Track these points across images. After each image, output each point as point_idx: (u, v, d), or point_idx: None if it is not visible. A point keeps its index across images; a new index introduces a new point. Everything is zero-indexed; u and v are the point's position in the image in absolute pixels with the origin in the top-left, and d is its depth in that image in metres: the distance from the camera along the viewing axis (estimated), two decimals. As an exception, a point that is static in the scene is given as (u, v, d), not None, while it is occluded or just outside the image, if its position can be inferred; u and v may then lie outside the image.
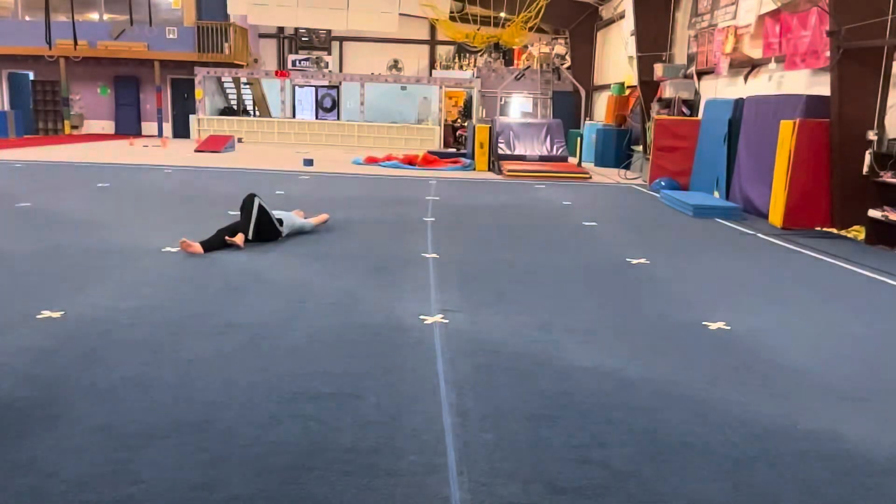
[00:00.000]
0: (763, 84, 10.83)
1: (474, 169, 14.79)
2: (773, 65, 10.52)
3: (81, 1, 21.77)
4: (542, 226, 7.92)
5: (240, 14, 21.08)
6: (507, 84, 19.52)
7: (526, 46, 22.61)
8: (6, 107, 23.24)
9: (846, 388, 3.42)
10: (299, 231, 6.74)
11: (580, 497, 2.36)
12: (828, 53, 8.31)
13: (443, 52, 28.41)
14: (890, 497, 2.45)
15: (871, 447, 2.79)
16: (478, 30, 19.61)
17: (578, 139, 16.12)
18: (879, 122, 7.79)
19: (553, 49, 20.79)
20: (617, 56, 18.24)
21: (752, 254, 6.83)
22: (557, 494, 2.37)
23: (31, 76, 23.78)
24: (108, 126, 24.16)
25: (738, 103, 10.17)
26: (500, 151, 14.79)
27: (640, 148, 14.52)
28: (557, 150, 15.26)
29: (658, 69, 13.96)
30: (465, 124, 21.13)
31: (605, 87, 19.33)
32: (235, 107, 24.39)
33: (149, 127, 23.76)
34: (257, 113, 24.21)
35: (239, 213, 6.30)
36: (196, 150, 16.89)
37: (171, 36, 22.27)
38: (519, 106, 20.33)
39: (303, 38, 27.85)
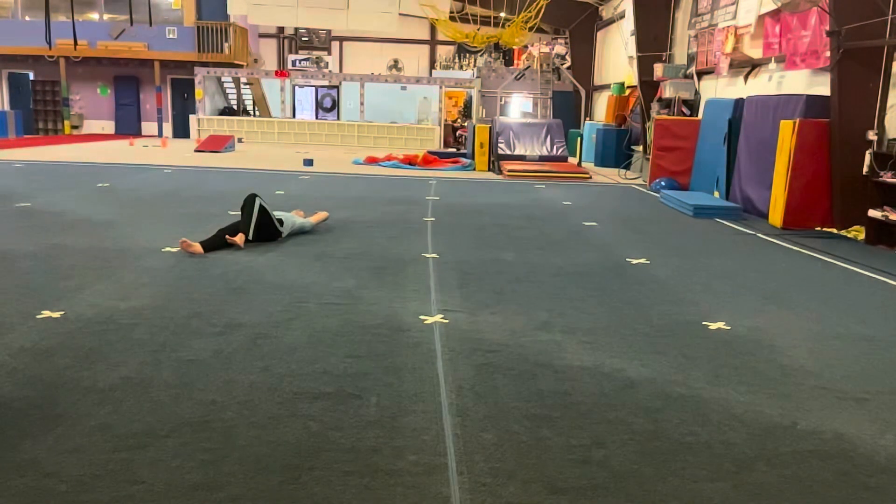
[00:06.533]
0: (763, 84, 10.83)
1: (474, 169, 14.79)
2: (773, 65, 10.52)
3: (81, 1, 21.75)
4: (542, 226, 7.92)
5: (240, 14, 21.07)
6: (507, 84, 19.51)
7: (526, 46, 22.60)
8: (6, 107, 23.24)
9: (846, 388, 3.42)
10: (299, 231, 6.74)
11: (580, 497, 2.37)
12: (828, 53, 8.31)
13: (443, 52, 28.43)
14: (890, 497, 2.45)
15: (871, 447, 2.79)
16: (478, 30, 19.60)
17: (578, 139, 16.12)
18: (879, 122, 7.79)
19: (553, 49, 20.78)
20: (617, 56, 18.23)
21: (752, 254, 6.83)
22: (557, 494, 2.37)
23: (31, 76, 23.78)
24: (108, 126, 24.16)
25: (738, 103, 10.17)
26: (500, 151, 14.79)
27: (640, 148, 14.52)
28: (557, 150, 15.26)
29: (658, 69, 13.96)
30: (465, 124, 21.13)
31: (605, 87, 19.33)
32: (235, 107, 24.39)
33: (149, 127, 23.76)
34: (257, 113, 24.21)
35: (239, 213, 6.30)
36: (196, 150, 16.89)
37: (171, 36, 22.27)
38: (519, 106, 20.32)
39: (303, 38, 27.88)
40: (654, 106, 13.76)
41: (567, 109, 20.81)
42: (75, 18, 19.02)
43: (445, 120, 23.07)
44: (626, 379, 3.41)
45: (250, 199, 6.25)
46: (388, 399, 3.07)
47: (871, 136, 7.73)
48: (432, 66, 28.29)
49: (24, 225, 6.87)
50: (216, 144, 17.16)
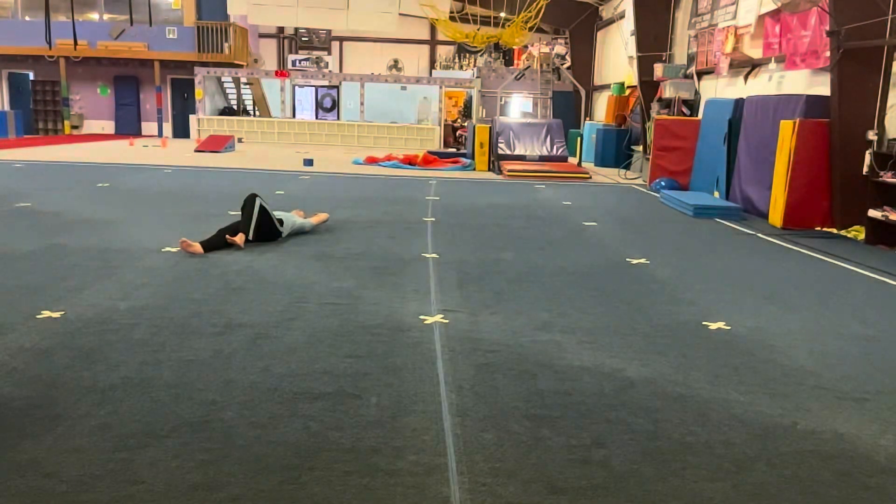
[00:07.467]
0: (763, 84, 10.83)
1: (474, 169, 14.79)
2: (773, 65, 10.52)
3: (81, 1, 21.75)
4: (542, 226, 7.92)
5: (240, 14, 21.07)
6: (507, 84, 19.52)
7: (526, 46, 22.62)
8: (6, 107, 23.24)
9: (846, 388, 3.42)
10: (299, 231, 6.74)
11: (580, 497, 2.37)
12: (828, 53, 8.31)
13: (443, 52, 28.43)
14: (890, 497, 2.45)
15: (871, 447, 2.79)
16: (478, 30, 19.60)
17: (578, 139, 16.12)
18: (879, 122, 7.79)
19: (553, 49, 20.79)
20: (617, 56, 18.24)
21: (752, 254, 6.83)
22: (557, 494, 2.37)
23: (31, 76, 23.78)
24: (108, 126, 24.16)
25: (738, 103, 10.17)
26: (500, 151, 14.79)
27: (640, 148, 14.52)
28: (557, 150, 15.26)
29: (658, 69, 13.96)
30: (465, 124, 21.13)
31: (605, 87, 19.33)
32: (235, 107, 24.39)
33: (149, 127, 23.76)
34: (257, 113, 24.21)
35: (240, 213, 6.30)
36: (196, 150, 16.89)
37: (171, 36, 22.27)
38: (519, 106, 20.33)
39: (303, 38, 27.89)
40: (654, 106, 13.76)
41: (567, 109, 20.81)
42: (75, 18, 19.03)
43: (445, 120, 23.06)
44: (626, 379, 3.41)
45: (250, 200, 6.25)
46: (388, 399, 3.07)
47: (871, 136, 7.73)
48: (432, 66, 28.30)
49: (24, 225, 6.87)
50: (216, 144, 17.16)
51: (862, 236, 7.67)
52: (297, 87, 24.22)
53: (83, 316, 4.07)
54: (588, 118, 20.15)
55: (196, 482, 2.36)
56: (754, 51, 11.17)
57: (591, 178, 13.58)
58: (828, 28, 8.06)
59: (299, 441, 2.67)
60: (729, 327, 4.30)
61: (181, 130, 23.23)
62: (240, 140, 20.14)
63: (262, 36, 27.08)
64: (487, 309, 4.50)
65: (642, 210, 9.61)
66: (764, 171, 9.06)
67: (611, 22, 19.10)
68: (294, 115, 23.25)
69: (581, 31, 21.14)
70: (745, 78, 11.40)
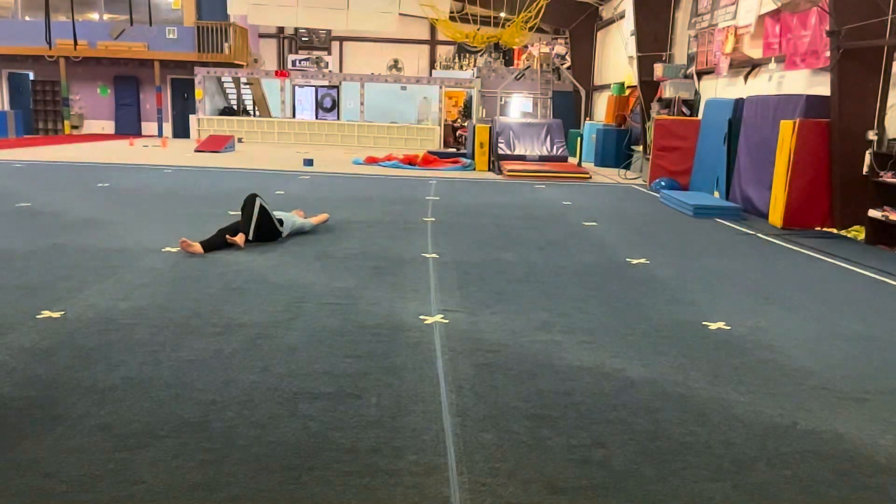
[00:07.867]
0: (763, 84, 10.83)
1: (474, 169, 14.79)
2: (773, 65, 10.52)
3: (81, 1, 21.74)
4: (542, 226, 7.92)
5: (240, 14, 21.07)
6: (507, 84, 19.51)
7: (526, 46, 22.61)
8: (6, 107, 23.24)
9: (846, 388, 3.42)
10: (299, 231, 6.74)
11: (580, 497, 2.37)
12: (828, 53, 8.31)
13: (443, 52, 28.43)
14: (890, 497, 2.45)
15: (871, 447, 2.79)
16: (478, 30, 19.60)
17: (578, 139, 16.13)
18: (879, 122, 7.79)
19: (553, 49, 20.80)
20: (617, 56, 18.24)
21: (752, 254, 6.83)
22: (557, 494, 2.37)
23: (31, 76, 23.78)
24: (108, 126, 24.16)
25: (738, 103, 10.17)
26: (500, 151, 14.79)
27: (640, 148, 14.52)
28: (557, 150, 15.26)
29: (658, 69, 13.96)
30: (465, 124, 21.13)
31: (605, 87, 19.33)
32: (235, 107, 24.39)
33: (149, 127, 23.76)
34: (257, 113, 24.21)
35: (239, 213, 6.30)
36: (196, 150, 16.89)
37: (171, 36, 22.27)
38: (519, 106, 20.32)
39: (303, 38, 27.89)
40: (654, 106, 13.76)
41: (567, 109, 20.81)
42: (75, 18, 19.02)
43: (445, 120, 23.06)
44: (626, 379, 3.41)
45: (250, 199, 6.25)
46: (388, 399, 3.07)
47: (871, 136, 7.73)
48: (432, 66, 28.30)
49: (23, 225, 6.87)
50: (216, 144, 17.16)
51: (862, 236, 7.67)
52: (297, 87, 24.22)
53: (83, 316, 4.07)
54: (588, 118, 20.15)
55: (196, 482, 2.36)
56: (754, 51, 11.17)
57: (591, 178, 13.58)
58: (828, 28, 8.06)
59: (299, 441, 2.67)
60: (729, 327, 4.30)
61: (181, 130, 23.23)
62: (240, 140, 20.14)
63: (262, 36, 27.08)
64: (487, 309, 4.50)
65: (642, 210, 9.61)
66: (764, 171, 9.06)
67: (611, 22, 19.10)
68: (294, 115, 23.25)
69: (581, 31, 21.14)
70: (745, 78, 11.40)
